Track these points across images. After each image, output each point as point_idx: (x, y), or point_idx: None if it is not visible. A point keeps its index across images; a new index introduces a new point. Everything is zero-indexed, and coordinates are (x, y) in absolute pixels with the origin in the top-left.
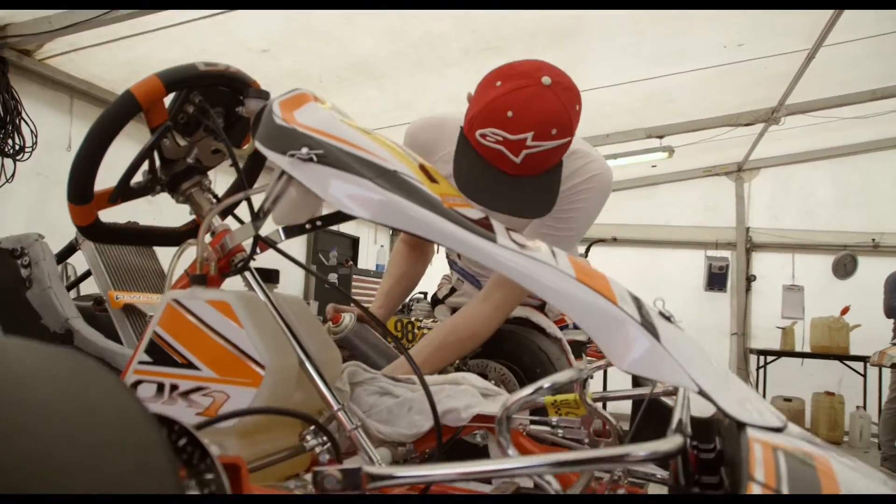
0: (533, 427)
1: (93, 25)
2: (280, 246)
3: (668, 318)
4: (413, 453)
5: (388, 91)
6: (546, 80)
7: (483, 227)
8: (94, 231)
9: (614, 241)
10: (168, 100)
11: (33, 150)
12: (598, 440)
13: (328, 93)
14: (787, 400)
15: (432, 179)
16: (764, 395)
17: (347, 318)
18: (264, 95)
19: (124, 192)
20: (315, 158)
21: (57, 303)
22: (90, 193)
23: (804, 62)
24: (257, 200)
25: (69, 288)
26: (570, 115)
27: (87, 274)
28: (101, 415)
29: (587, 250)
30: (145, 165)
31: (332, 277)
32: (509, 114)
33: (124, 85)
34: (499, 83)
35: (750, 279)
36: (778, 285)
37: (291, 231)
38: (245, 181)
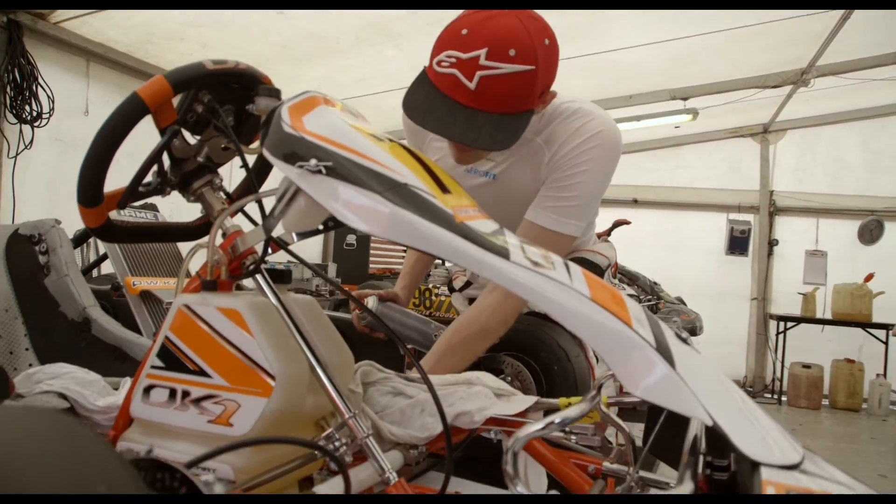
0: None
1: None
2: None
3: (684, 341)
4: (425, 454)
5: (405, 51)
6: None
7: (495, 242)
8: (105, 232)
9: (636, 202)
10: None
11: (51, 115)
12: (611, 447)
13: (345, 54)
14: (807, 367)
15: (444, 189)
16: (783, 362)
17: (371, 302)
18: (275, 93)
19: (135, 194)
20: (324, 170)
21: (74, 291)
22: (100, 196)
23: (839, 21)
24: (268, 200)
25: (86, 272)
26: (532, 39)
27: (103, 257)
28: (88, 481)
29: (610, 231)
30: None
31: (351, 238)
32: (463, 31)
33: (140, 48)
34: (461, 14)
35: (772, 243)
36: (801, 250)
37: (305, 233)
38: (255, 182)
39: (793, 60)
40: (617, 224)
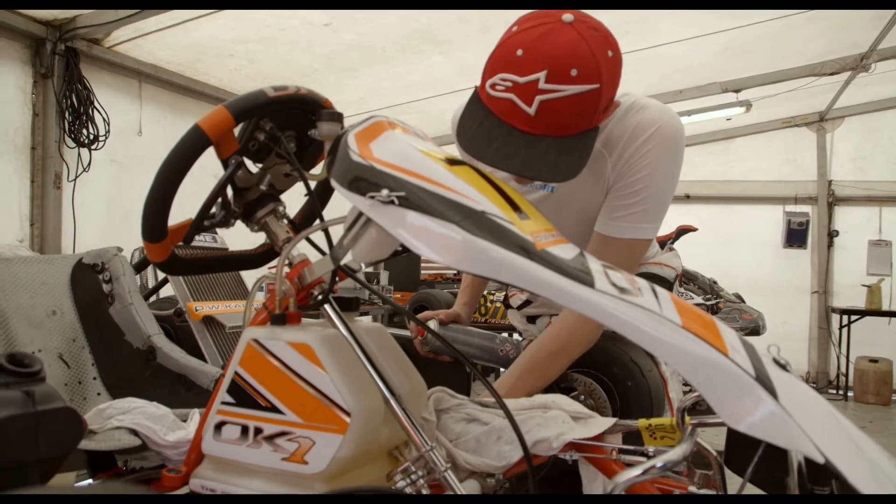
0: (627, 457)
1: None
2: None
3: (783, 367)
4: (502, 483)
5: (453, 57)
6: (567, 17)
7: (578, 269)
8: (170, 266)
9: (688, 197)
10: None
11: (106, 137)
12: (697, 471)
13: (391, 62)
14: (874, 361)
15: (522, 214)
16: (848, 356)
17: (432, 326)
18: (337, 117)
19: (200, 228)
20: (396, 201)
21: (139, 319)
22: (164, 230)
23: None
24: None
25: (146, 297)
26: (595, 55)
27: (164, 282)
28: None
29: (675, 238)
30: None
31: None
32: (519, 52)
33: (190, 66)
34: (515, 28)
35: (832, 234)
36: (863, 240)
37: (374, 261)
38: (320, 209)
39: (850, 46)
40: (681, 231)
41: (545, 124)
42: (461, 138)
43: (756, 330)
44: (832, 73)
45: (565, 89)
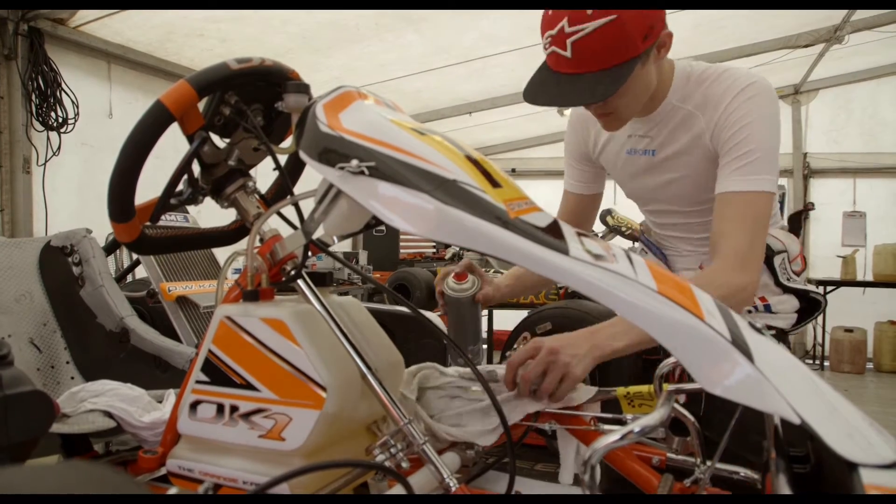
0: (606, 426)
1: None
2: None
3: (759, 331)
4: (482, 454)
5: (426, 36)
6: None
7: (553, 236)
8: (140, 245)
9: None
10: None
11: (76, 120)
12: (675, 437)
13: (365, 41)
14: (849, 330)
15: (494, 183)
16: (823, 327)
17: (471, 283)
18: (304, 88)
19: (167, 206)
20: (366, 171)
21: (110, 301)
22: (131, 210)
23: None
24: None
25: (119, 279)
26: None
27: (136, 263)
28: None
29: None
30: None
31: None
32: (549, 12)
33: (160, 46)
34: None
35: (808, 207)
36: (838, 212)
37: (346, 234)
38: (289, 183)
39: (824, 18)
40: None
41: (583, 62)
42: (525, 94)
43: None
44: (806, 46)
45: (587, 26)
